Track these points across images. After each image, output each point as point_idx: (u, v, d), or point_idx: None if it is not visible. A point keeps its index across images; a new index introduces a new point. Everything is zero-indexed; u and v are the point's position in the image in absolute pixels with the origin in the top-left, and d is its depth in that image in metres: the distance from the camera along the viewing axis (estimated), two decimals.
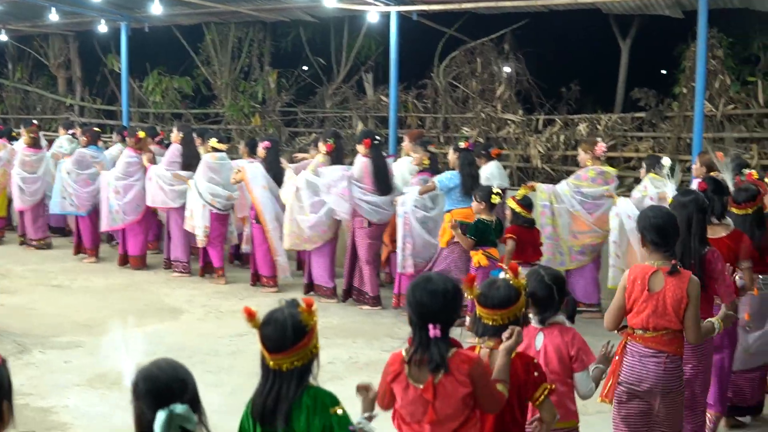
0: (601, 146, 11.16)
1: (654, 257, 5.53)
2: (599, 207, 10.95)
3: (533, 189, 10.48)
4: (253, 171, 12.26)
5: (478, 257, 9.88)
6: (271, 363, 3.85)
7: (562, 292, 5.15)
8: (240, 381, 8.04)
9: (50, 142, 16.43)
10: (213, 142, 12.89)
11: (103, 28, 18.47)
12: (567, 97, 16.89)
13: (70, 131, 16.32)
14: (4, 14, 19.03)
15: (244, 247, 13.02)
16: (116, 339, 10.15)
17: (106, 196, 13.61)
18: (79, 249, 14.57)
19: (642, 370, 5.46)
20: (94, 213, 14.17)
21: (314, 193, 11.61)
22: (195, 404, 3.41)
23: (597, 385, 5.21)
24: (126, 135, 14.32)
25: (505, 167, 16.22)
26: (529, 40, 17.42)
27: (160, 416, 3.30)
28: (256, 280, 12.57)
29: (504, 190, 10.65)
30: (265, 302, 11.82)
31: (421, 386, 4.17)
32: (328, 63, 19.54)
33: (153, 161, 13.55)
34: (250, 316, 3.87)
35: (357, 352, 9.57)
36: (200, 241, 12.79)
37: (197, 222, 12.72)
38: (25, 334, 9.88)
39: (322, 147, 11.81)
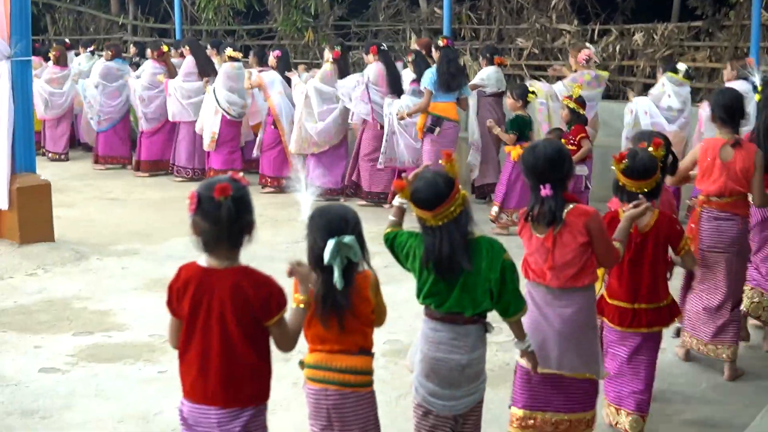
0: (585, 52, 11.41)
1: (723, 132, 6.40)
2: (592, 108, 11.09)
3: (581, 88, 10.60)
4: (270, 77, 12.75)
5: (516, 152, 10.07)
6: (433, 220, 4.21)
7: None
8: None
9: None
10: (230, 51, 13.49)
11: None
12: (622, 6, 16.63)
13: (89, 48, 16.87)
14: None
15: (255, 152, 13.37)
16: (171, 246, 10.35)
17: (136, 103, 14.47)
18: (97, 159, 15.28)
19: (717, 233, 6.33)
20: (119, 124, 15.10)
21: (323, 101, 12.22)
22: (361, 241, 4.00)
23: None
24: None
25: (559, 77, 16.10)
26: None
27: (330, 243, 3.88)
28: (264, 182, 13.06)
29: (502, 93, 11.69)
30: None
31: (542, 236, 4.78)
32: None
33: (173, 74, 14.15)
34: (401, 187, 4.26)
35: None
36: (207, 145, 13.38)
37: (206, 126, 13.34)
38: (82, 243, 10.06)
39: (329, 54, 12.45)
